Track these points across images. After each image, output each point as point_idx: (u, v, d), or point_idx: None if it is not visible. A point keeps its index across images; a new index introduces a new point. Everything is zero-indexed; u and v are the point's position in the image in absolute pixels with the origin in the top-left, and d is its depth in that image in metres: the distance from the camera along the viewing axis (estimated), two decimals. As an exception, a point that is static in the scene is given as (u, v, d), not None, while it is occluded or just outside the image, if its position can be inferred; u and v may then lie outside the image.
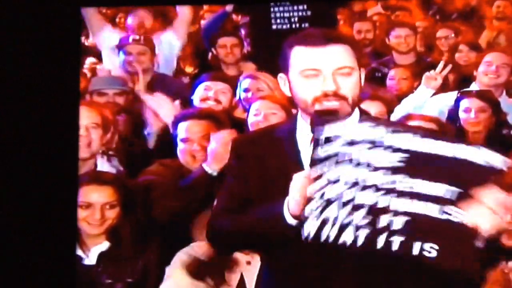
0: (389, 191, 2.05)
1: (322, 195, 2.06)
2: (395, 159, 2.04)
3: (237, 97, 4.64)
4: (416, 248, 2.04)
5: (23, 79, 1.93)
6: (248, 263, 3.32)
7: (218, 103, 4.39)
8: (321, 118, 2.15)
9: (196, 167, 3.61)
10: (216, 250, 2.92)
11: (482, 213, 1.98)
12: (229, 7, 5.87)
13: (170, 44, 5.64)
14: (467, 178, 2.02)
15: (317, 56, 2.22)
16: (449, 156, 2.02)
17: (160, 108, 4.19)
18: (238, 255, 3.32)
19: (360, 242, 2.05)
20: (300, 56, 2.25)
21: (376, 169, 2.05)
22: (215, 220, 2.39)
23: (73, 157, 2.07)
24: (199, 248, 3.35)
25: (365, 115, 2.34)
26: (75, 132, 2.62)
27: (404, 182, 2.04)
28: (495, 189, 1.99)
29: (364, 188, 2.06)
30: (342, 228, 2.06)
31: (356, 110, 2.32)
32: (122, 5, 7.27)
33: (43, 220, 2.32)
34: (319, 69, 2.22)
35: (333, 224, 2.06)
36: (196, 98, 4.45)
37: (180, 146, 3.76)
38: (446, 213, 2.02)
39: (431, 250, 2.03)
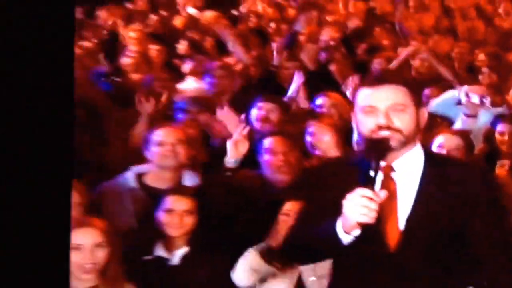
0: None
1: None
2: None
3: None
4: None
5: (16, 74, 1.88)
6: None
7: (267, 121, 5.05)
8: (373, 144, 2.48)
9: (277, 178, 4.21)
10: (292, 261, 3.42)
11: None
12: None
13: None
14: None
15: (373, 95, 2.57)
16: None
17: (229, 122, 4.98)
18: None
19: None
20: (361, 96, 2.61)
21: None
22: (289, 237, 2.71)
23: (69, 151, 1.95)
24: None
25: (431, 159, 2.62)
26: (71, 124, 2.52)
27: None
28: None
29: None
30: None
31: (419, 149, 2.61)
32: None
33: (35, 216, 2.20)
34: (374, 106, 2.55)
35: None
36: (252, 117, 5.09)
37: (265, 157, 4.29)
38: None
39: None
